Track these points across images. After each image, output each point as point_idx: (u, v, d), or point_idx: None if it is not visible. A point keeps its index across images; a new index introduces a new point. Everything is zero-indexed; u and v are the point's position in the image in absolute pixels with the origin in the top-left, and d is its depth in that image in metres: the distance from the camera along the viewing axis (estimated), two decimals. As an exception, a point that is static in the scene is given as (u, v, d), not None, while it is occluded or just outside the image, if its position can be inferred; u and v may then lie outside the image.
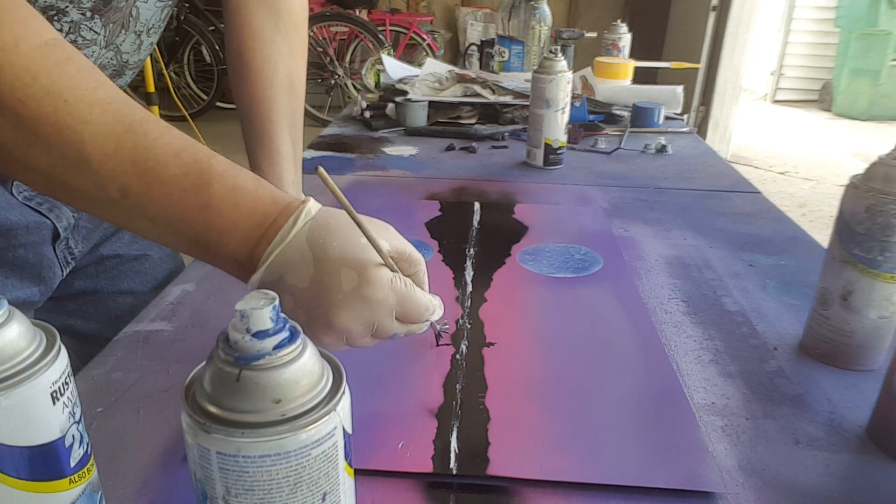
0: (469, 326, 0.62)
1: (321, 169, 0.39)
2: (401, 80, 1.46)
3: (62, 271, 0.70)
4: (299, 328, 0.30)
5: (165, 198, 0.41)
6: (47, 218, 0.65)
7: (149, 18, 0.63)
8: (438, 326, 0.59)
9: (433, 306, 0.47)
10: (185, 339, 0.60)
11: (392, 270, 0.44)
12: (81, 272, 0.75)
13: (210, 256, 0.44)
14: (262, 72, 0.73)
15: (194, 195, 0.41)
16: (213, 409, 0.28)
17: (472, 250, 0.79)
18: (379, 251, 0.43)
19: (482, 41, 1.78)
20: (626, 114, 1.37)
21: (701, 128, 3.67)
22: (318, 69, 4.37)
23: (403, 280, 0.45)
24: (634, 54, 1.70)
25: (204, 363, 0.30)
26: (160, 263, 0.81)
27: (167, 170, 0.41)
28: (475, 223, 0.87)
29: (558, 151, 1.09)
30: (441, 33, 4.61)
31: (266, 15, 0.73)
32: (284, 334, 0.29)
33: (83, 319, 0.76)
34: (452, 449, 0.47)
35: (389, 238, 0.45)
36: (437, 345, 0.59)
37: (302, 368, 0.29)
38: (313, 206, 0.44)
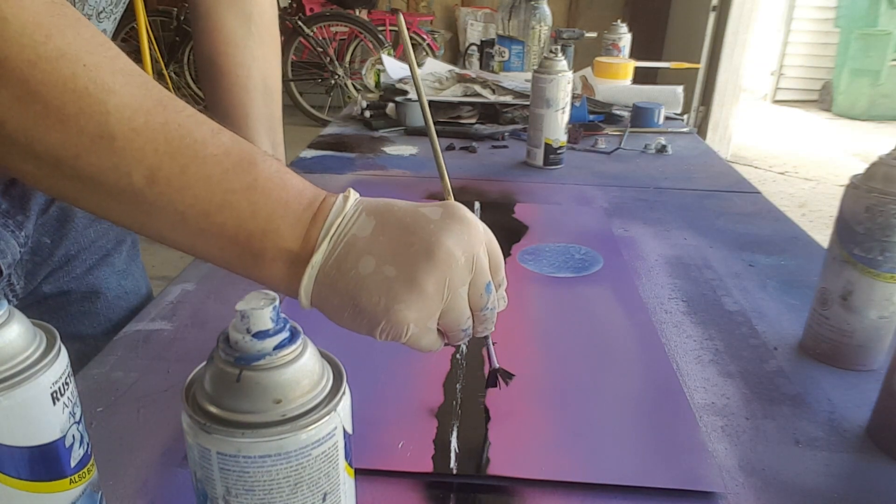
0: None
1: (400, 15, 0.40)
2: (401, 80, 1.46)
3: None
4: (299, 328, 0.30)
5: (204, 181, 0.35)
6: None
7: (98, 1, 0.55)
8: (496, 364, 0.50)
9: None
10: (185, 338, 0.60)
11: None
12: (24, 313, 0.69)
13: (250, 255, 0.37)
14: (236, 77, 0.70)
15: (238, 175, 0.36)
16: (213, 409, 0.28)
17: (472, 250, 0.78)
18: (449, 189, 0.45)
19: (482, 41, 1.78)
20: (626, 114, 1.37)
21: (701, 128, 3.67)
22: (318, 69, 4.37)
23: None
24: (634, 54, 1.70)
25: (204, 363, 0.30)
26: (115, 302, 0.70)
27: (206, 148, 0.35)
28: (475, 223, 0.86)
29: (558, 151, 1.09)
30: (441, 33, 4.60)
31: (236, 18, 0.71)
32: (285, 334, 0.29)
33: None
34: (452, 448, 0.47)
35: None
36: (497, 385, 0.50)
37: (302, 369, 0.29)
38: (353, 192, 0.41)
